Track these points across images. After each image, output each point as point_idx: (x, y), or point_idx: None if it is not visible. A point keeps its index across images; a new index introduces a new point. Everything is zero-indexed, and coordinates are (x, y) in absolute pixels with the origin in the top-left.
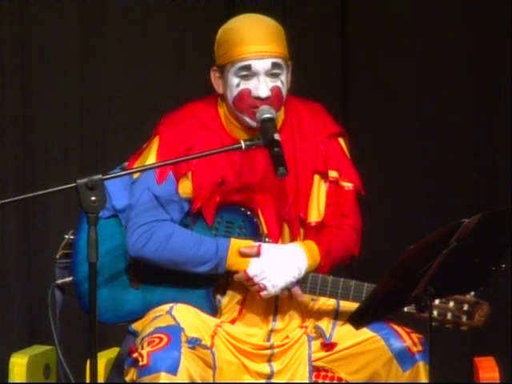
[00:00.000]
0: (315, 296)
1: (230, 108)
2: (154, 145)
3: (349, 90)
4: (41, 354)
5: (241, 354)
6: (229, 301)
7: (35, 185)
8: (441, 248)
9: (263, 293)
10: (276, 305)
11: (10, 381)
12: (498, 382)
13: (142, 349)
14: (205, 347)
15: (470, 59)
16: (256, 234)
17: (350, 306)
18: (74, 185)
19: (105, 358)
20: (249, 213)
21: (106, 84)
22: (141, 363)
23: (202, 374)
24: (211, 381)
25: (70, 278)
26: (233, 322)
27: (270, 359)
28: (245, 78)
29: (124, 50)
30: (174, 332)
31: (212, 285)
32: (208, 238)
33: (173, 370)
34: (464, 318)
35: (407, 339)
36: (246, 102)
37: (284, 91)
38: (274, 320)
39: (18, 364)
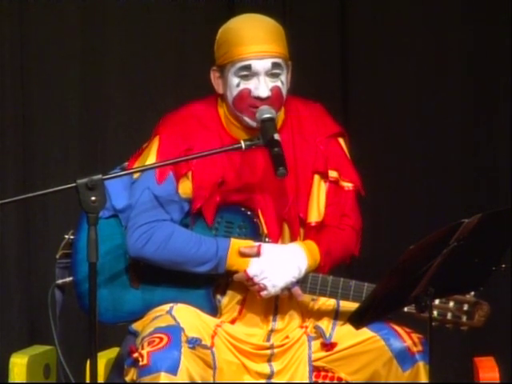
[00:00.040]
0: (315, 296)
1: (229, 108)
2: (154, 145)
3: (349, 90)
4: (41, 354)
5: (241, 353)
6: (229, 301)
7: (35, 185)
8: (441, 248)
9: (263, 293)
10: (276, 305)
11: (10, 381)
12: (497, 382)
13: (142, 349)
14: (205, 347)
15: (470, 59)
16: (256, 234)
17: (350, 305)
18: (74, 185)
19: (105, 358)
20: (249, 213)
21: (105, 84)
22: (141, 363)
23: (202, 374)
24: (211, 381)
25: (70, 278)
26: (233, 321)
27: (270, 359)
28: (245, 77)
29: (124, 50)
30: (174, 332)
31: (212, 285)
32: (208, 238)
33: (173, 370)
34: (464, 318)
35: (407, 339)
36: (245, 102)
37: (284, 91)
38: (274, 320)
39: (18, 364)
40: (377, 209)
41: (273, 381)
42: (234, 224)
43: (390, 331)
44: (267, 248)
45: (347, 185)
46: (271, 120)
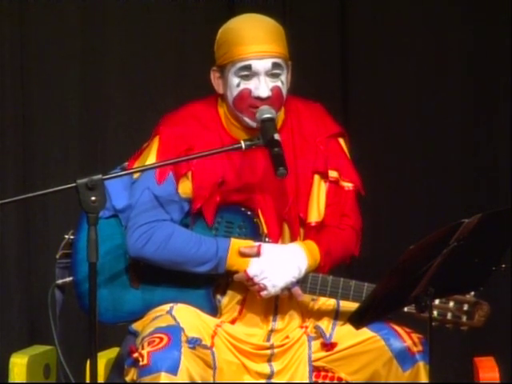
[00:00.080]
0: (315, 296)
1: (229, 108)
2: (154, 145)
3: (349, 90)
4: (41, 354)
5: (241, 353)
6: (229, 301)
7: (35, 185)
8: (441, 248)
9: (263, 293)
10: (276, 305)
11: (10, 381)
12: (497, 382)
13: (143, 349)
14: (205, 347)
15: (470, 59)
16: (256, 234)
17: (350, 305)
18: (74, 185)
19: (105, 358)
20: (249, 213)
21: (105, 84)
22: (141, 363)
23: (202, 374)
24: (211, 381)
25: (70, 278)
26: (233, 321)
27: (270, 359)
28: (245, 77)
29: (124, 50)
30: (174, 332)
31: (212, 285)
32: (208, 238)
33: (173, 370)
34: (464, 318)
35: (407, 339)
36: (246, 102)
37: (284, 91)
38: (274, 320)
39: (18, 364)
40: (377, 209)
41: (273, 381)
42: (234, 224)
43: (390, 331)
44: (267, 248)
45: (347, 185)
46: (271, 120)
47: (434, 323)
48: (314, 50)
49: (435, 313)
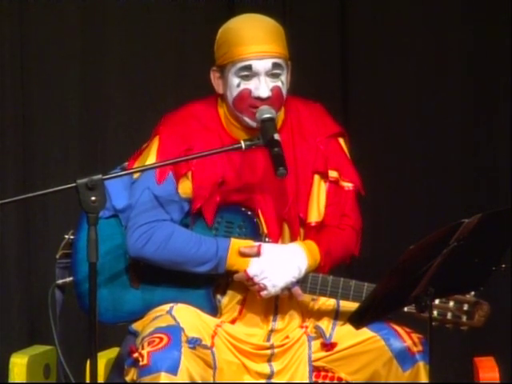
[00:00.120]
0: (315, 296)
1: (229, 108)
2: (154, 145)
3: (349, 90)
4: (41, 354)
5: (241, 353)
6: (229, 301)
7: (35, 185)
8: (441, 248)
9: (263, 293)
10: (276, 305)
11: (10, 381)
12: (497, 381)
13: (143, 349)
14: (205, 347)
15: (470, 59)
16: (256, 234)
17: (350, 305)
18: (74, 185)
19: (105, 358)
20: (249, 213)
21: (105, 84)
22: (141, 363)
23: (203, 374)
24: (211, 381)
25: (70, 278)
26: (233, 321)
27: (270, 359)
28: (245, 78)
29: (124, 50)
30: (174, 332)
31: (212, 285)
32: (208, 237)
33: (173, 370)
34: (464, 318)
35: (407, 339)
36: (246, 102)
37: (284, 91)
38: (274, 320)
39: (18, 364)
40: (377, 209)
41: (273, 381)
42: (234, 224)
43: (390, 331)
44: (267, 248)
45: (347, 185)
46: (271, 120)
47: (434, 323)
48: (314, 49)
49: (435, 313)
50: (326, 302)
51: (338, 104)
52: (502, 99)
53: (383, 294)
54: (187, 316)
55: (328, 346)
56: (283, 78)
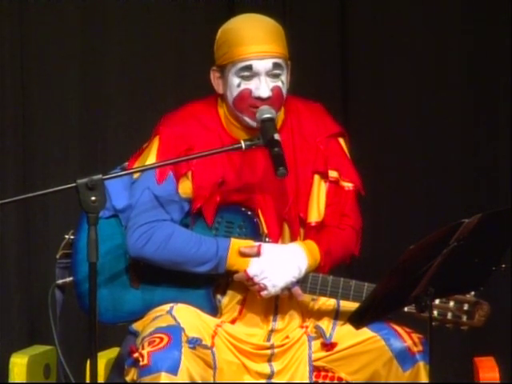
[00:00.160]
0: (315, 296)
1: (229, 108)
2: (154, 145)
3: (349, 90)
4: (41, 354)
5: (241, 353)
6: (229, 301)
7: (35, 185)
8: (441, 248)
9: (263, 292)
10: (276, 305)
11: (10, 381)
12: (497, 382)
13: (143, 349)
14: (205, 347)
15: (470, 59)
16: (256, 234)
17: (350, 305)
18: (74, 185)
19: (105, 358)
20: (249, 213)
21: (105, 84)
22: (141, 363)
23: (203, 374)
24: (211, 381)
25: (70, 278)
26: (233, 321)
27: (270, 359)
28: (246, 78)
29: (124, 50)
30: (174, 332)
31: (212, 285)
32: (208, 237)
33: (173, 370)
34: (464, 318)
35: (407, 339)
36: (246, 102)
37: (284, 91)
38: (275, 320)
39: (18, 364)
40: (377, 209)
41: (273, 381)
42: (234, 224)
43: (391, 331)
44: (267, 248)
45: (347, 185)
46: (271, 120)
47: (434, 323)
48: (314, 50)
49: (435, 313)
50: (326, 302)
51: (338, 104)
52: (502, 99)
53: (383, 294)
54: (187, 316)
55: (328, 345)
56: (283, 77)
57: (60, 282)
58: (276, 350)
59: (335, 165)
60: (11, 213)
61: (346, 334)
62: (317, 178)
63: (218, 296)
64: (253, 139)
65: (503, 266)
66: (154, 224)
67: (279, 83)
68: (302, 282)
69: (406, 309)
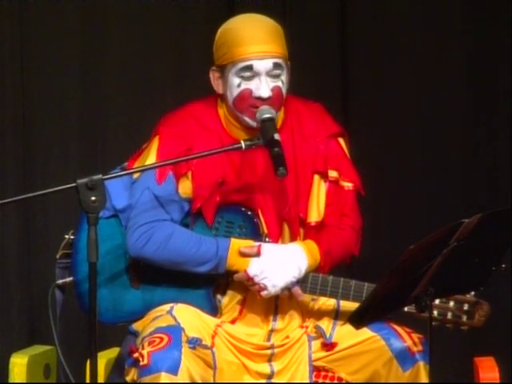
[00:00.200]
0: (315, 296)
1: (229, 108)
2: (154, 145)
3: (349, 90)
4: (41, 354)
5: (241, 353)
6: (229, 301)
7: (35, 185)
8: (441, 248)
9: (263, 293)
10: (276, 305)
11: (10, 381)
12: (497, 381)
13: (143, 349)
14: (205, 347)
15: (470, 59)
16: (256, 234)
17: (350, 305)
18: (74, 185)
19: (105, 358)
20: (249, 213)
21: (105, 84)
22: (141, 363)
23: (203, 374)
24: (212, 381)
25: (70, 278)
26: (233, 321)
27: (270, 359)
28: (246, 78)
29: (124, 50)
30: (174, 332)
31: (212, 285)
32: (208, 237)
33: (173, 369)
34: (464, 318)
35: (407, 339)
36: (246, 102)
37: (284, 91)
38: (275, 320)
39: (18, 364)
40: (377, 209)
41: (273, 381)
42: (235, 224)
43: (391, 331)
44: (267, 248)
45: (347, 184)
46: (271, 120)
47: (434, 323)
48: (314, 49)
49: (435, 312)
50: (326, 302)
51: (338, 104)
52: (502, 99)
53: (383, 294)
54: (187, 316)
55: (328, 345)
56: (283, 77)
57: (60, 281)
58: (276, 350)
59: (335, 165)
60: (11, 213)
61: (346, 334)
62: (317, 177)
63: (218, 296)
64: (253, 139)
65: (503, 265)
66: (154, 224)
67: (279, 83)
68: (302, 281)
69: (406, 309)
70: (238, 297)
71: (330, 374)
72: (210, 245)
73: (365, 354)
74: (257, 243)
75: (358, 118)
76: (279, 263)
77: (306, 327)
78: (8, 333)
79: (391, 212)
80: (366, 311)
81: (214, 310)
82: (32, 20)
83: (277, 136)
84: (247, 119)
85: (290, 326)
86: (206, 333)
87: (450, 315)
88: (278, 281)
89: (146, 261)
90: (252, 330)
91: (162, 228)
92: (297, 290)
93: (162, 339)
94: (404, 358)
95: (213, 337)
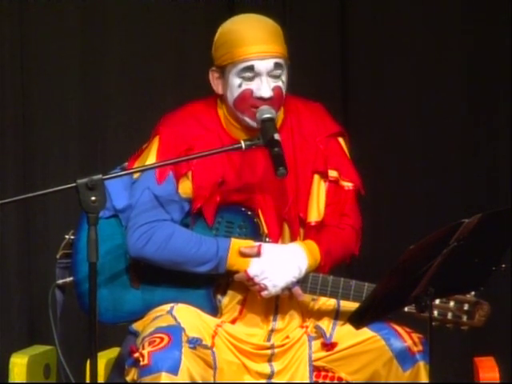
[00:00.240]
0: (316, 296)
1: (229, 108)
2: (154, 145)
3: (349, 90)
4: (41, 354)
5: (241, 353)
6: (229, 301)
7: (35, 185)
8: (441, 248)
9: (264, 293)
10: (276, 305)
11: (10, 381)
12: (497, 381)
13: (143, 349)
14: (205, 347)
15: (470, 59)
16: (256, 234)
17: (350, 305)
18: (74, 185)
19: (105, 358)
20: (249, 213)
21: (105, 84)
22: (142, 363)
23: (203, 374)
24: (212, 381)
25: (71, 278)
26: (233, 321)
27: (270, 359)
28: (247, 78)
29: (124, 50)
30: (174, 332)
31: (212, 285)
32: (208, 237)
33: (174, 369)
34: (464, 318)
35: (407, 339)
36: (247, 103)
37: (284, 91)
38: (275, 320)
39: (18, 364)
40: (377, 209)
41: (273, 381)
42: (235, 224)
43: (391, 331)
44: (267, 248)
45: (347, 184)
46: (271, 120)
47: (434, 323)
48: (314, 49)
49: (435, 313)
50: (327, 302)
51: (338, 104)
52: (502, 99)
53: (383, 294)
54: (188, 316)
55: (328, 345)
56: (283, 77)
57: (60, 281)
58: (276, 350)
59: (335, 164)
60: (11, 213)
61: (346, 334)
62: (316, 177)
63: (219, 296)
64: (253, 139)
65: (503, 265)
66: (155, 224)
67: (280, 83)
68: (302, 281)
69: (406, 309)
70: (239, 297)
71: (330, 374)
72: (211, 245)
73: (365, 354)
74: (257, 243)
75: (357, 118)
76: (279, 263)
77: (306, 327)
78: (8, 333)
79: (391, 212)
80: (366, 311)
81: (215, 310)
82: (32, 20)
83: (277, 136)
84: (247, 119)
85: (290, 326)
86: (206, 333)
87: (450, 315)
88: (279, 281)
89: (146, 261)
90: (252, 330)
91: (162, 228)
92: (297, 289)
93: (162, 339)
94: (404, 357)
95: (213, 337)
